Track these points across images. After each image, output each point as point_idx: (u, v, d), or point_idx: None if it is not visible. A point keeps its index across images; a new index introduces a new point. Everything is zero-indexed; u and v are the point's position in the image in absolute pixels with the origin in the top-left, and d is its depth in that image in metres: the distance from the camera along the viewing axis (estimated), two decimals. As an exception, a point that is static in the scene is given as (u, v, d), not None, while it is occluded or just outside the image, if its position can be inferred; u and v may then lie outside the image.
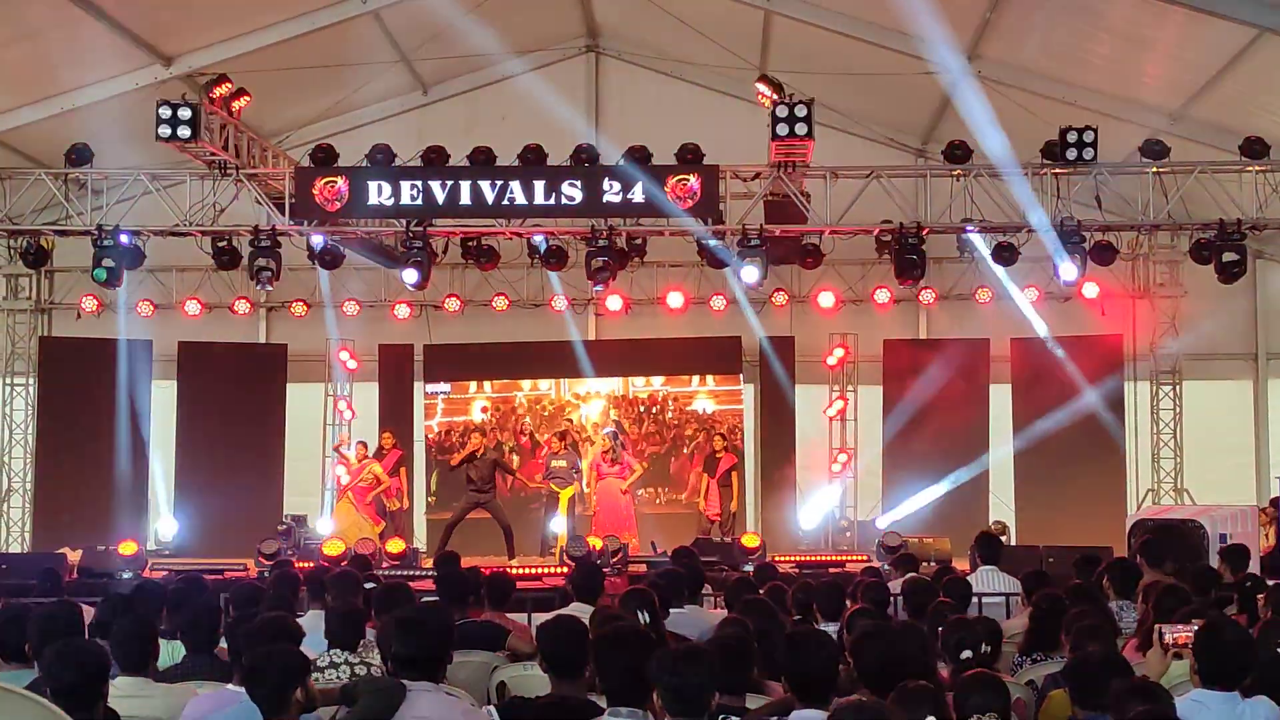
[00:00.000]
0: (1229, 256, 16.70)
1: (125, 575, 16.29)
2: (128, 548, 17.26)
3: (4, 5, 15.74)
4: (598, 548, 16.71)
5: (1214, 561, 11.81)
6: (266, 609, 7.67)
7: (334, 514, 19.62)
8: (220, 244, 17.74)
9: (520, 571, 15.81)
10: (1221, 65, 15.81)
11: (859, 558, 18.00)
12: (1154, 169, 16.93)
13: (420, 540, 20.04)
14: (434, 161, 16.85)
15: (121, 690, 6.22)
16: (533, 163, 16.77)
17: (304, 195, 16.87)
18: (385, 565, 16.43)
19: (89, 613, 7.75)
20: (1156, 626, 6.63)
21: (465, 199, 16.73)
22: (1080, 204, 17.17)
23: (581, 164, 16.85)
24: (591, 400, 21.93)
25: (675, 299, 20.31)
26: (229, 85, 16.57)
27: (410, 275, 17.35)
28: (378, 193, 16.71)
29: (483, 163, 16.81)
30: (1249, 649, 5.91)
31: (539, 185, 16.64)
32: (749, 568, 14.78)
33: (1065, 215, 16.94)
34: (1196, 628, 6.10)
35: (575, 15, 20.84)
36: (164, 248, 18.47)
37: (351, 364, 21.47)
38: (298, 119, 19.85)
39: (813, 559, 18.48)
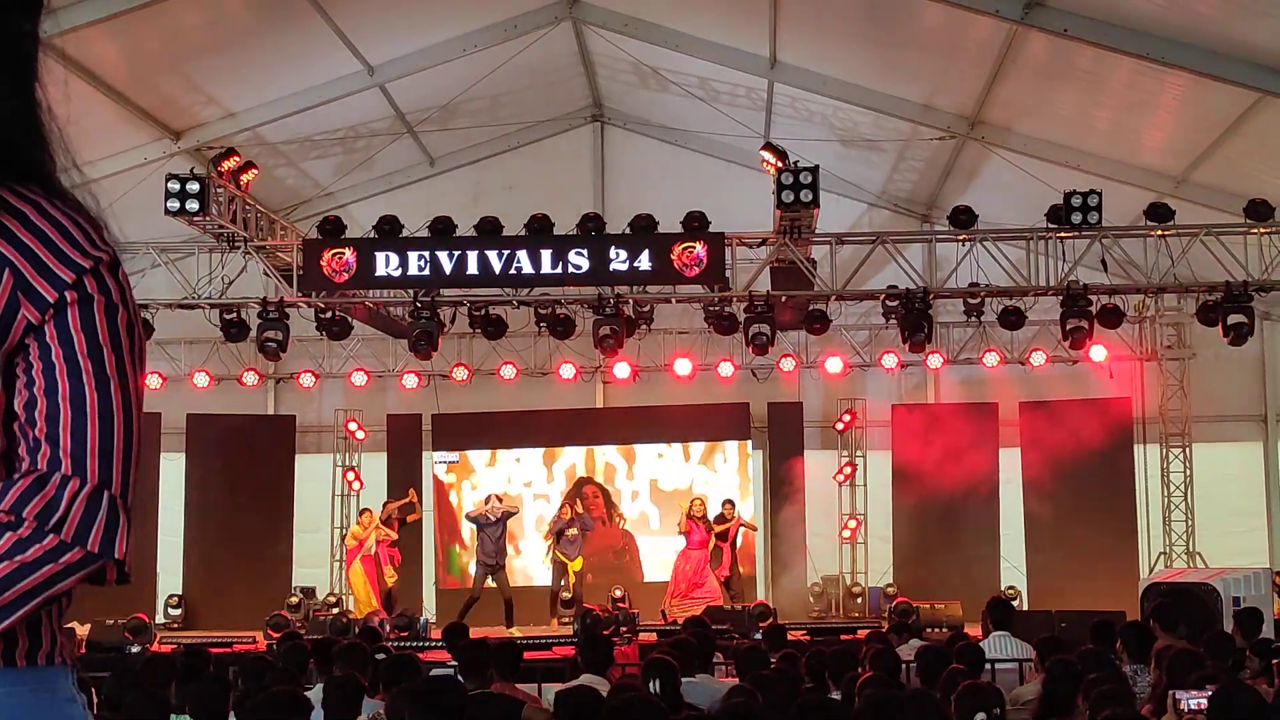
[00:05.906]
0: (1236, 319, 16.65)
1: (134, 649, 16.23)
2: (136, 621, 17.22)
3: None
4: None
5: (1228, 625, 11.75)
6: (274, 682, 7.64)
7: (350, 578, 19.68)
8: (229, 316, 17.81)
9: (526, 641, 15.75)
10: (1224, 129, 15.89)
11: (871, 623, 17.89)
12: (1159, 232, 16.93)
13: (430, 611, 19.95)
14: (441, 232, 16.92)
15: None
16: (539, 232, 16.84)
17: (312, 267, 16.91)
18: (393, 636, 16.38)
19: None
20: (1170, 692, 6.59)
21: (473, 269, 16.77)
22: (1086, 268, 17.20)
23: (588, 233, 16.91)
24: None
25: (683, 366, 20.23)
26: (237, 158, 16.65)
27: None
28: (385, 264, 16.76)
29: (490, 233, 16.88)
30: (1263, 714, 5.86)
31: (546, 255, 16.67)
32: (759, 635, 14.72)
33: (1071, 279, 16.96)
34: (1210, 693, 6.06)
35: (580, 86, 20.98)
36: (172, 320, 18.52)
37: (359, 434, 21.47)
38: (305, 191, 19.95)
39: (824, 622, 18.44)
